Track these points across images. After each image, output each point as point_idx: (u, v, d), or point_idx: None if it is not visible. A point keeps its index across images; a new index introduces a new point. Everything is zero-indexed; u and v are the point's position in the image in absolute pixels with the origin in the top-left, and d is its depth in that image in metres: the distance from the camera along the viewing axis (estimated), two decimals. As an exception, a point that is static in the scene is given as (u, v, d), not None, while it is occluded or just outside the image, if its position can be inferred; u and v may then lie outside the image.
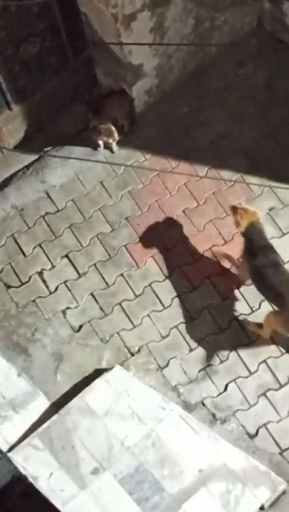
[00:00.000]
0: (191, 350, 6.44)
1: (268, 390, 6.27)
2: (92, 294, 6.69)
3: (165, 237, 6.84)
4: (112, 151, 7.25)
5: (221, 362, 6.38)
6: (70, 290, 6.72)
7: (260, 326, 6.32)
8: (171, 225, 6.89)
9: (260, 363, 6.35)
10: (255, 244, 6.14)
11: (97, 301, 6.67)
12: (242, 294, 6.57)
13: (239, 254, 6.52)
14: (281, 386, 6.27)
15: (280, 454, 6.05)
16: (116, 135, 7.12)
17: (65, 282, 6.75)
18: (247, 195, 6.93)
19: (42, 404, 6.25)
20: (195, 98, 7.40)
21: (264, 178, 6.92)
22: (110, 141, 7.16)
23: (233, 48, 7.53)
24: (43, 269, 6.82)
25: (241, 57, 7.56)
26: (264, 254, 6.09)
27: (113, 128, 7.07)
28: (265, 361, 6.35)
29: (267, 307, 6.44)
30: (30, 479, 5.80)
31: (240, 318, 6.48)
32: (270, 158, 7.02)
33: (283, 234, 6.78)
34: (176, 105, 7.39)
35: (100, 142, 7.19)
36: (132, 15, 6.42)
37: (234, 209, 6.27)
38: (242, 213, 6.17)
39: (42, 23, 6.72)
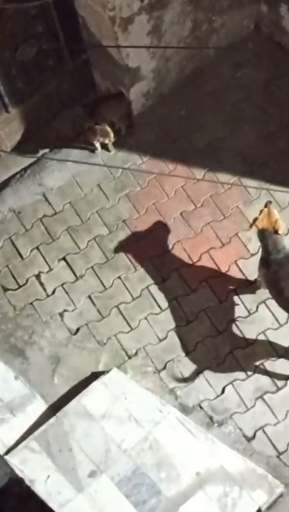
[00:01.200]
0: (188, 352, 6.44)
1: (265, 392, 6.27)
2: (89, 297, 6.69)
3: (162, 240, 6.84)
4: (108, 150, 7.25)
5: (218, 365, 6.38)
6: (67, 293, 6.72)
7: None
8: (168, 228, 6.89)
9: (258, 366, 6.34)
10: (271, 256, 6.04)
11: (94, 304, 6.67)
12: (239, 297, 6.57)
13: (237, 257, 6.55)
14: (278, 389, 6.27)
15: (278, 456, 6.06)
16: (112, 135, 7.12)
17: (62, 285, 6.75)
18: (244, 198, 6.93)
19: (39, 406, 6.25)
20: (192, 101, 7.40)
21: (261, 181, 6.92)
22: (106, 141, 7.16)
23: (230, 51, 7.54)
24: (40, 272, 6.82)
25: (239, 60, 7.57)
26: (280, 267, 6.01)
27: (109, 128, 7.07)
28: (262, 364, 6.34)
29: (264, 310, 6.46)
30: (27, 482, 5.79)
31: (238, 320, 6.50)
32: (268, 161, 7.02)
33: (281, 237, 6.78)
34: (174, 108, 7.40)
35: (97, 143, 7.19)
36: (130, 18, 6.43)
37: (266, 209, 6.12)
38: (264, 216, 6.03)
39: (40, 26, 6.72)
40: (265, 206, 6.08)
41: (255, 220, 6.06)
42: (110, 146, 7.23)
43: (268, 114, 7.30)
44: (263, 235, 6.07)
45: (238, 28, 7.50)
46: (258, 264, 6.30)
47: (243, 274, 6.65)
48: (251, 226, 6.13)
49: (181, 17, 6.83)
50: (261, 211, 6.06)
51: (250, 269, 6.63)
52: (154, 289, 6.67)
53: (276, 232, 6.00)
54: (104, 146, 7.24)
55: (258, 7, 7.42)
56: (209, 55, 7.49)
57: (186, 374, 6.35)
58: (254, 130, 7.24)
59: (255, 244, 6.52)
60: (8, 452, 5.98)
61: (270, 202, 6.11)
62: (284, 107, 7.30)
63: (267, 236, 6.04)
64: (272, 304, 6.47)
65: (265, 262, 6.11)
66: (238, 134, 7.23)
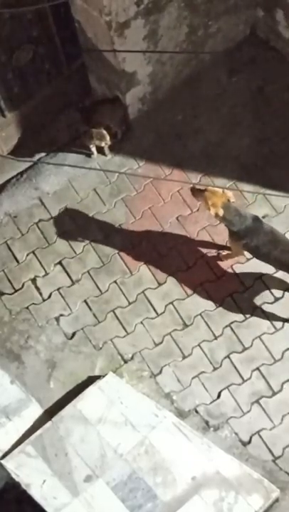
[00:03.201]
0: (184, 357, 6.44)
1: (261, 397, 6.27)
2: (85, 301, 6.69)
3: (158, 244, 6.85)
4: (104, 155, 7.25)
5: (214, 369, 6.38)
6: (63, 297, 6.72)
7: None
8: (164, 232, 6.89)
9: (254, 370, 6.35)
10: (241, 225, 6.06)
11: (90, 308, 6.67)
12: (235, 301, 6.57)
13: (233, 262, 6.58)
14: (274, 393, 6.28)
15: (273, 461, 6.06)
16: (108, 138, 7.12)
17: (58, 289, 6.75)
18: (240, 203, 6.92)
19: (35, 411, 6.25)
20: (188, 106, 7.41)
21: (257, 186, 6.93)
22: (102, 144, 7.16)
23: (226, 56, 7.55)
24: (36, 276, 6.82)
25: (234, 64, 7.58)
26: (256, 233, 6.05)
27: (104, 132, 7.07)
28: (258, 368, 6.35)
29: (260, 315, 6.47)
30: (24, 486, 5.79)
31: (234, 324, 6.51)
32: (264, 166, 7.03)
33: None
34: (170, 113, 7.40)
35: (93, 147, 7.19)
36: (126, 22, 6.44)
37: (197, 191, 6.15)
38: (211, 195, 6.05)
39: (36, 31, 6.72)
40: (197, 195, 6.14)
41: (214, 212, 6.06)
42: (106, 151, 7.23)
43: (263, 119, 7.31)
44: (226, 212, 6.05)
45: (233, 33, 7.52)
46: (230, 241, 6.36)
47: (239, 278, 6.65)
48: (217, 215, 6.09)
49: (177, 22, 6.84)
50: (204, 199, 6.09)
51: (246, 274, 6.63)
52: (150, 293, 6.67)
53: (228, 201, 6.06)
54: (100, 151, 7.25)
55: (254, 12, 7.43)
56: (205, 59, 7.50)
57: (183, 379, 6.35)
58: (250, 135, 7.25)
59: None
60: (4, 457, 5.98)
61: (193, 187, 6.18)
62: (279, 111, 7.31)
63: (228, 211, 6.04)
64: (269, 308, 6.50)
65: (239, 234, 6.13)
66: (234, 138, 7.24)
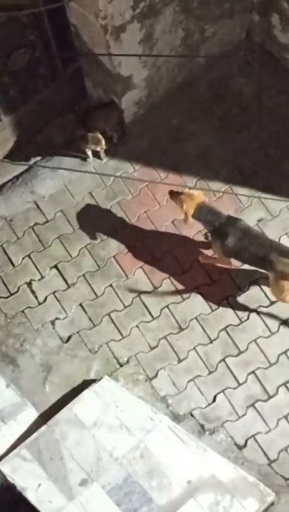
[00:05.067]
0: (179, 361, 6.44)
1: (257, 401, 6.28)
2: (80, 305, 6.69)
3: (154, 248, 6.85)
4: (100, 158, 7.26)
5: (210, 373, 6.38)
6: (58, 301, 6.72)
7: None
8: (160, 236, 6.90)
9: (249, 374, 6.36)
10: (215, 222, 6.20)
11: (85, 312, 6.67)
12: (230, 305, 6.58)
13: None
14: (270, 397, 6.28)
15: (269, 465, 6.06)
16: (103, 142, 7.11)
17: (53, 293, 6.75)
18: (236, 207, 6.94)
19: (30, 415, 6.24)
20: (184, 109, 7.41)
21: (253, 190, 6.94)
22: (98, 149, 7.16)
23: (221, 60, 7.56)
24: (31, 280, 6.81)
25: (230, 68, 7.58)
26: (231, 229, 6.15)
27: (100, 135, 7.07)
28: (253, 372, 6.36)
29: (256, 318, 6.48)
30: (19, 490, 5.78)
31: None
32: (259, 170, 7.04)
33: (272, 245, 6.79)
34: (166, 116, 7.41)
35: (88, 151, 7.20)
36: (122, 26, 6.44)
37: (174, 194, 6.33)
38: (187, 199, 6.24)
39: (32, 35, 6.73)
40: (175, 198, 6.31)
41: (185, 215, 6.25)
42: (102, 154, 7.24)
43: (259, 123, 7.32)
44: (198, 213, 6.24)
45: (229, 37, 7.53)
46: (212, 245, 6.44)
47: (235, 282, 6.66)
48: (186, 220, 6.30)
49: (173, 26, 6.85)
50: (180, 202, 6.27)
51: (242, 278, 6.64)
52: (146, 297, 6.68)
53: (202, 202, 6.25)
54: (95, 154, 7.25)
55: (250, 16, 7.44)
56: (201, 63, 7.51)
57: (178, 382, 6.35)
58: (245, 138, 7.25)
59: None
60: (-1, 460, 5.98)
61: (171, 191, 6.34)
62: (275, 115, 7.32)
63: (201, 211, 6.22)
64: (264, 311, 6.50)
65: (216, 233, 6.25)
66: (230, 142, 7.25)
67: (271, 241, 6.20)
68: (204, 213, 6.23)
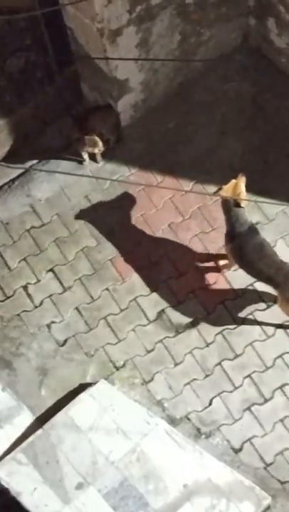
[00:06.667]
0: (176, 364, 6.44)
1: (253, 404, 6.27)
2: (77, 308, 6.68)
3: (150, 252, 6.85)
4: (96, 162, 7.25)
5: (206, 376, 6.38)
6: (55, 304, 6.71)
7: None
8: (156, 240, 6.90)
9: (245, 378, 6.35)
10: (235, 229, 6.15)
11: (82, 316, 6.66)
12: (227, 308, 6.57)
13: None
14: (266, 401, 6.28)
15: (265, 468, 6.05)
16: (101, 145, 7.12)
17: (50, 296, 6.74)
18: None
19: (26, 418, 6.23)
20: (180, 113, 7.42)
21: (249, 193, 6.87)
22: (96, 151, 7.16)
23: (218, 64, 7.56)
24: (28, 283, 6.81)
25: (226, 72, 7.59)
26: (246, 239, 6.13)
27: (97, 138, 7.07)
28: (249, 376, 6.35)
29: (252, 322, 6.48)
30: (14, 494, 5.76)
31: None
32: (256, 174, 7.02)
33: (268, 248, 6.80)
34: (162, 120, 7.41)
35: (85, 154, 7.20)
36: (118, 30, 6.45)
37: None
38: (232, 185, 6.13)
39: (28, 38, 6.75)
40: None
41: (219, 189, 6.15)
42: (98, 158, 7.24)
43: (255, 127, 7.33)
44: (227, 206, 6.16)
45: (226, 41, 7.54)
46: (225, 242, 6.39)
47: (231, 286, 6.66)
48: (215, 193, 6.22)
49: (169, 30, 6.86)
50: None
51: (238, 281, 6.64)
52: (142, 300, 6.67)
53: (238, 205, 6.10)
54: (92, 158, 7.25)
55: (246, 20, 7.46)
56: (197, 67, 7.52)
57: (174, 386, 6.35)
58: (242, 142, 7.26)
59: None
60: (-5, 464, 5.96)
61: (242, 175, 6.20)
62: (271, 119, 7.33)
63: (230, 208, 6.13)
64: (260, 315, 6.50)
65: (230, 236, 6.23)
66: (226, 146, 7.25)
67: (282, 263, 6.11)
68: (234, 212, 6.12)
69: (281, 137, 7.25)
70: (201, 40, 7.26)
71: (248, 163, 7.12)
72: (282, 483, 6.01)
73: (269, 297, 6.50)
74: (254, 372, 6.36)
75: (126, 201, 7.09)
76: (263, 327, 6.49)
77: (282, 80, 7.48)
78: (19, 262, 6.89)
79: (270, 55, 7.55)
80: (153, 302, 6.66)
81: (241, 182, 6.15)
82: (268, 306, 6.54)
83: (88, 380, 6.40)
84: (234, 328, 6.52)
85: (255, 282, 6.56)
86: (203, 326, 6.54)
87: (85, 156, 7.22)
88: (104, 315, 6.64)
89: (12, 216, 7.09)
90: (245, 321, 6.52)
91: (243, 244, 6.12)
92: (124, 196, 7.11)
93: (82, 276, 6.80)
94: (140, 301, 6.67)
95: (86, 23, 6.40)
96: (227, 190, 6.11)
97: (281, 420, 6.21)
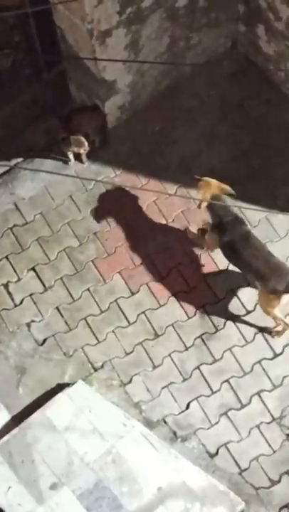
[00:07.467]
0: (154, 367, 6.44)
1: (230, 409, 6.28)
2: (57, 308, 6.67)
3: (132, 254, 6.85)
4: (81, 162, 7.25)
5: (184, 380, 6.38)
6: (35, 303, 6.69)
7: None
8: (139, 242, 6.90)
9: (223, 382, 6.36)
10: (223, 219, 6.24)
11: (62, 315, 6.65)
12: (207, 313, 6.58)
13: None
14: (243, 406, 6.29)
15: (240, 474, 6.07)
16: (86, 145, 7.11)
17: (30, 295, 6.73)
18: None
19: (2, 417, 6.21)
20: (167, 116, 7.43)
21: (232, 199, 6.95)
22: (81, 151, 7.15)
23: (206, 68, 7.58)
24: (8, 282, 6.79)
25: (214, 77, 7.60)
26: (232, 229, 6.21)
27: (83, 139, 7.07)
28: (227, 380, 6.36)
29: (232, 326, 6.49)
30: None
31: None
32: (240, 179, 7.04)
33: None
34: (148, 123, 7.41)
35: (70, 154, 7.19)
36: (108, 31, 6.45)
37: (196, 180, 6.39)
38: (205, 185, 6.31)
39: (17, 36, 6.73)
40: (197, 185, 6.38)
41: (201, 202, 6.32)
42: (84, 158, 7.23)
43: (241, 133, 7.34)
44: (212, 203, 6.27)
45: (214, 46, 7.56)
46: (208, 232, 6.48)
47: (212, 290, 6.67)
48: (200, 206, 6.38)
49: (158, 33, 6.87)
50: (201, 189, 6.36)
51: (219, 286, 6.65)
52: (123, 302, 6.67)
53: (231, 195, 6.33)
54: (77, 158, 7.24)
55: (236, 26, 7.48)
56: (185, 71, 7.53)
57: (152, 388, 6.35)
58: (227, 148, 7.28)
59: (224, 260, 6.52)
60: None
61: (197, 177, 6.39)
62: (257, 125, 7.35)
63: (215, 203, 6.24)
64: (239, 321, 6.52)
65: (218, 227, 6.29)
66: (211, 151, 7.26)
67: (269, 254, 6.19)
68: (217, 205, 6.24)
69: (266, 143, 7.28)
70: (190, 44, 7.28)
71: (232, 168, 7.14)
72: (256, 488, 6.03)
73: (249, 303, 6.52)
74: (232, 377, 6.37)
75: (110, 202, 7.09)
76: (243, 332, 6.50)
77: (270, 87, 7.51)
78: (0, 259, 6.87)
79: (258, 61, 7.57)
80: (134, 304, 6.66)
81: (207, 179, 6.35)
82: (248, 312, 6.56)
83: (66, 380, 6.39)
84: (214, 333, 6.53)
85: (236, 288, 6.58)
86: (183, 330, 6.55)
87: (71, 155, 7.21)
88: (85, 315, 6.63)
89: (-5, 214, 7.08)
90: (225, 326, 6.53)
91: (229, 233, 6.21)
92: (108, 197, 7.10)
93: (64, 276, 6.78)
94: (121, 303, 6.66)
95: (76, 23, 6.40)
96: (205, 192, 6.30)
97: (257, 426, 6.23)
